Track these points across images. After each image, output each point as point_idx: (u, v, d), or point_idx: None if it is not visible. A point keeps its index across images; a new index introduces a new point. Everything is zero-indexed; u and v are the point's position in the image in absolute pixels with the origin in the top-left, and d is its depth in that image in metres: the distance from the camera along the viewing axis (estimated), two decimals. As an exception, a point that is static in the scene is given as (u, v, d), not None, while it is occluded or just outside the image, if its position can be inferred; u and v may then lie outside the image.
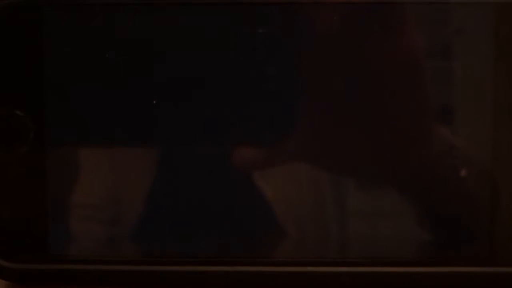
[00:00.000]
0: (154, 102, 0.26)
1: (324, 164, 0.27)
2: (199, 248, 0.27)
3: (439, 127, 0.26)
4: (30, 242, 0.27)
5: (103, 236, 0.27)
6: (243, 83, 0.26)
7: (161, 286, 0.27)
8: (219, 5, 0.25)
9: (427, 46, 0.26)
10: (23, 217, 0.26)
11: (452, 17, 0.26)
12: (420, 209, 0.26)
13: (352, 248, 0.27)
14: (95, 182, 0.27)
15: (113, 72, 0.26)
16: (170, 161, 0.26)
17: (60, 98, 0.26)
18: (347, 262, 0.26)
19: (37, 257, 0.27)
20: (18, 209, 0.26)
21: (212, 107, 0.26)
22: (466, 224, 0.26)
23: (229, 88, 0.26)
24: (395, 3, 0.26)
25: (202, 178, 0.26)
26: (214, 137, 0.26)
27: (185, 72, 0.26)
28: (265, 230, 0.27)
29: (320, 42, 0.26)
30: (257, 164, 0.26)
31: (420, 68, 0.26)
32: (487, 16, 0.25)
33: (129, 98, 0.26)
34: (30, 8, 0.26)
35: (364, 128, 0.26)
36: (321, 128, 0.26)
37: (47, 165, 0.26)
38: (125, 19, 0.26)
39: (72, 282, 0.27)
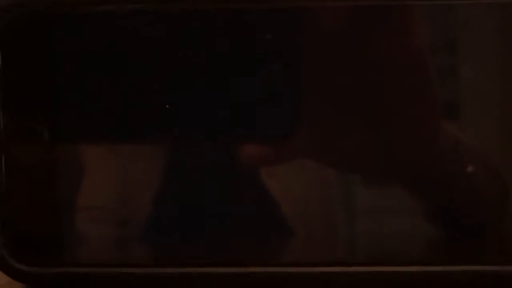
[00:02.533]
0: (161, 109, 0.26)
1: (331, 162, 0.27)
2: (208, 249, 0.27)
3: (446, 123, 0.26)
4: (46, 246, 0.27)
5: (117, 239, 0.27)
6: (249, 82, 0.26)
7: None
8: (223, 10, 0.26)
9: (432, 43, 0.26)
10: (38, 220, 0.27)
11: (459, 16, 0.25)
12: (427, 206, 0.26)
13: (360, 246, 0.27)
14: (108, 184, 0.27)
15: (122, 75, 0.26)
16: (178, 162, 0.27)
17: (71, 102, 0.27)
18: (355, 262, 0.26)
19: (53, 260, 0.27)
20: (32, 212, 0.27)
21: (219, 106, 0.26)
22: (475, 222, 0.26)
23: (236, 86, 0.26)
24: (400, 4, 0.25)
25: (210, 178, 0.27)
26: (222, 136, 0.26)
27: (193, 73, 0.26)
28: (274, 230, 0.27)
29: (325, 41, 0.26)
30: (264, 161, 0.27)
31: (426, 65, 0.26)
32: (494, 14, 0.25)
33: (138, 101, 0.26)
34: (42, 17, 0.26)
35: (371, 125, 0.26)
36: (328, 125, 0.26)
37: (60, 168, 0.27)
38: (132, 24, 0.26)
39: (87, 285, 0.27)
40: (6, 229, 0.27)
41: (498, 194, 0.26)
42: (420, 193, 0.26)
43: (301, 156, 0.26)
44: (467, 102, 0.26)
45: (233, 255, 0.27)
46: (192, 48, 0.26)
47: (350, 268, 0.26)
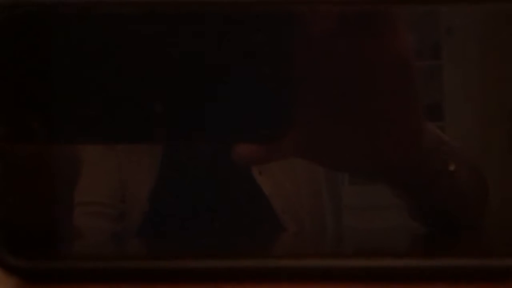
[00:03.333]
0: (156, 108, 0.27)
1: (320, 160, 0.27)
2: (201, 243, 0.27)
3: (430, 124, 0.27)
4: (39, 240, 0.27)
5: (111, 233, 0.28)
6: (242, 82, 0.26)
7: (167, 281, 0.27)
8: (217, 13, 0.26)
9: (418, 47, 0.27)
10: (32, 215, 0.27)
11: (442, 21, 0.26)
12: (412, 202, 0.27)
13: (348, 241, 0.28)
14: (105, 180, 0.28)
15: (118, 74, 0.27)
16: (173, 159, 0.27)
17: (66, 100, 0.27)
18: (342, 255, 0.27)
19: (46, 254, 0.27)
20: (27, 207, 0.27)
21: (212, 105, 0.27)
22: (457, 218, 0.27)
23: (228, 86, 0.27)
24: (385, 10, 0.26)
25: (204, 175, 0.27)
26: (216, 135, 0.27)
27: (186, 73, 0.27)
28: (265, 225, 0.28)
29: (316, 44, 0.26)
30: (256, 160, 0.27)
31: (411, 67, 0.27)
32: (476, 19, 0.26)
33: (133, 99, 0.27)
34: (39, 15, 0.26)
35: (359, 125, 0.27)
36: (318, 124, 0.27)
37: (55, 164, 0.27)
38: (127, 24, 0.26)
39: (82, 279, 0.27)
40: (1, 223, 0.27)
41: (479, 192, 0.27)
42: (405, 191, 0.28)
43: (292, 155, 0.27)
44: (451, 104, 0.27)
45: (226, 248, 0.27)
46: (186, 49, 0.26)
47: (337, 261, 0.27)
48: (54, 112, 0.27)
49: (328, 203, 0.28)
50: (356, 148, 0.27)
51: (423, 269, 0.27)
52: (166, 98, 0.27)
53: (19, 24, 0.26)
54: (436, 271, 0.26)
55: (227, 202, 0.27)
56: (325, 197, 0.28)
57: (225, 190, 0.27)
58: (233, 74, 0.27)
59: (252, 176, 0.27)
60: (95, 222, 0.28)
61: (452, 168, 0.27)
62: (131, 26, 0.27)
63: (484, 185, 0.27)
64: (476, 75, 0.26)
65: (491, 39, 0.26)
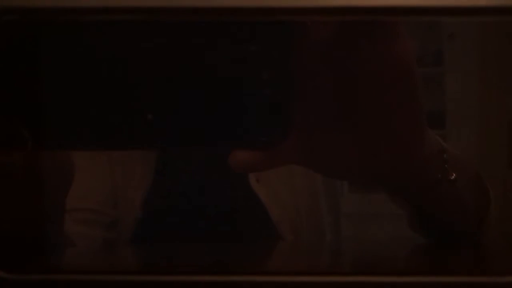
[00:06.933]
0: (151, 115, 0.26)
1: (319, 167, 0.27)
2: (194, 252, 0.27)
3: (431, 133, 0.27)
4: (28, 251, 0.26)
5: (103, 241, 0.27)
6: (239, 90, 0.26)
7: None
8: (216, 22, 0.25)
9: (419, 55, 0.26)
10: (21, 224, 0.26)
11: (442, 31, 0.26)
12: (412, 211, 0.27)
13: (346, 254, 0.27)
14: (94, 186, 0.27)
15: (109, 80, 0.26)
16: (167, 166, 0.27)
17: (57, 107, 0.26)
18: (340, 271, 0.27)
19: (36, 266, 0.26)
20: (16, 219, 0.26)
21: (208, 113, 0.26)
22: (457, 227, 0.27)
23: (226, 93, 0.26)
24: (386, 19, 0.26)
25: (200, 183, 0.26)
26: (212, 142, 0.26)
27: (182, 79, 0.26)
28: (262, 236, 0.27)
29: (314, 52, 0.26)
30: (253, 167, 0.26)
31: (412, 75, 0.26)
32: (475, 30, 0.26)
33: (126, 105, 0.26)
34: (30, 25, 0.25)
35: (358, 132, 0.27)
36: (316, 131, 0.27)
37: (45, 171, 0.26)
38: (118, 33, 0.25)
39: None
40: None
41: (480, 201, 0.27)
42: (405, 200, 0.27)
43: (290, 162, 0.27)
44: (452, 112, 0.26)
45: (221, 259, 0.27)
46: (183, 56, 0.26)
47: (335, 278, 0.26)
48: (45, 119, 0.26)
49: (326, 212, 0.27)
50: (356, 155, 0.26)
51: (422, 286, 0.26)
52: (162, 105, 0.26)
53: (8, 31, 0.25)
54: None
55: (223, 210, 0.27)
56: (323, 206, 0.27)
57: (221, 197, 0.26)
58: (231, 81, 0.26)
59: (249, 183, 0.27)
60: (86, 230, 0.27)
61: (452, 177, 0.27)
62: (123, 34, 0.26)
63: (485, 194, 0.27)
64: (478, 85, 0.26)
65: (491, 52, 0.26)
